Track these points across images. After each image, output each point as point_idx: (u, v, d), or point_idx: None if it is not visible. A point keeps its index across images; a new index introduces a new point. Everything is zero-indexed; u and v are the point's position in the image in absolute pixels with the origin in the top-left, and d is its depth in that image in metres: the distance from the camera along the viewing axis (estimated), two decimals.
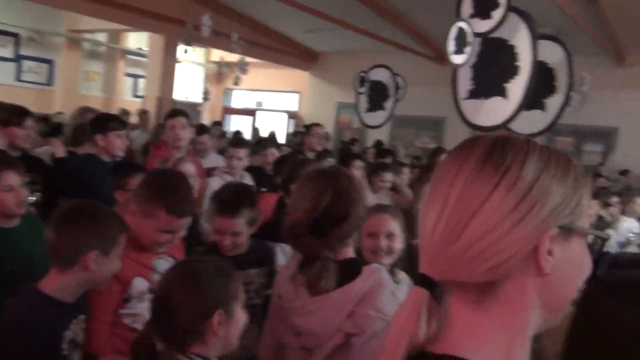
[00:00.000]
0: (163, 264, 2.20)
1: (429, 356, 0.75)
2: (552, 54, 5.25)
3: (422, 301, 0.76)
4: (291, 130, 12.94)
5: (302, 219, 1.67)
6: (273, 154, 5.20)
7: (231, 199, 2.48)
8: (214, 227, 2.52)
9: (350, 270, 1.69)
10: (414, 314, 0.75)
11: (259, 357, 1.91)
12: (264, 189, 4.35)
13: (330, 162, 5.11)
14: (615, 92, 9.38)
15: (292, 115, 13.93)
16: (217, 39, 8.78)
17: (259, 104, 14.89)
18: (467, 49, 4.66)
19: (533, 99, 4.94)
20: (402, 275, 2.56)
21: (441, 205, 0.77)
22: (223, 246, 2.46)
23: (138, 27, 10.03)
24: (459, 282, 0.76)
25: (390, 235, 2.43)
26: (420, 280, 0.77)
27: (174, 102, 10.40)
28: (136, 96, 12.93)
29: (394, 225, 2.45)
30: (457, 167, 0.78)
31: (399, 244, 2.45)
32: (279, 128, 13.08)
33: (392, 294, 1.74)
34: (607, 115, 9.43)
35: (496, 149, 0.77)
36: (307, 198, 1.69)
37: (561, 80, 5.38)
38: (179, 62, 11.18)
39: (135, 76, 13.17)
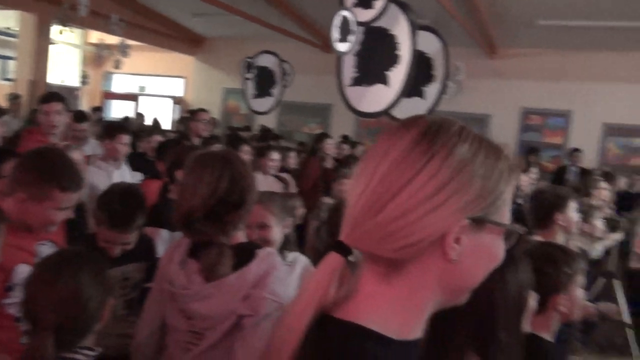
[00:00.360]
0: (46, 249, 2.10)
1: (330, 320, 0.79)
2: (429, 44, 5.51)
3: (336, 267, 0.80)
4: (177, 116, 12.61)
5: (198, 205, 1.66)
6: (158, 140, 5.06)
7: (123, 212, 2.38)
8: (102, 236, 2.42)
9: (244, 254, 1.70)
10: (327, 278, 0.80)
11: (134, 341, 1.88)
12: (146, 176, 4.24)
13: (217, 147, 5.07)
14: (487, 82, 10.02)
15: (177, 100, 13.57)
16: (95, 20, 8.36)
17: (142, 88, 14.34)
18: (351, 38, 4.78)
19: (413, 87, 5.15)
20: (296, 257, 2.60)
21: (368, 179, 0.80)
22: (111, 253, 2.38)
23: (6, 4, 9.30)
24: (372, 254, 0.80)
25: (262, 226, 2.36)
26: (338, 247, 0.81)
27: (48, 85, 9.78)
28: (6, 79, 12.00)
29: (267, 217, 2.38)
30: (390, 144, 0.80)
31: (273, 234, 2.39)
32: (164, 114, 12.70)
33: (284, 276, 1.79)
34: (480, 103, 10.06)
35: (429, 134, 0.79)
36: (204, 183, 1.67)
37: (438, 70, 5.67)
38: (54, 43, 10.49)
39: (4, 57, 12.21)
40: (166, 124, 10.83)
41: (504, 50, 10.09)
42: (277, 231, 2.42)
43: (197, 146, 4.27)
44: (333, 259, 0.81)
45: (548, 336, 1.99)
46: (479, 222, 0.78)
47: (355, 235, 0.80)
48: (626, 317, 5.23)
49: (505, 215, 0.82)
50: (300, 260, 2.59)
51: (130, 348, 1.88)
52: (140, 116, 11.83)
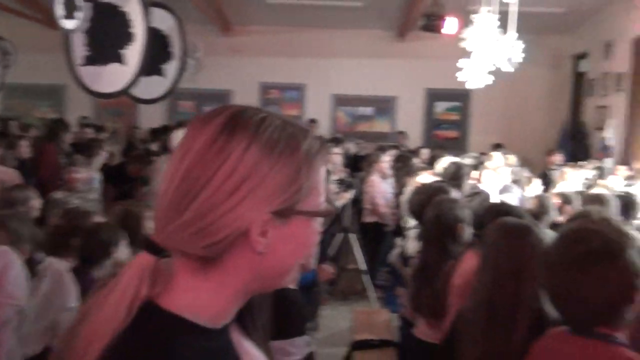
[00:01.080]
0: None
1: (150, 306, 0.79)
2: (163, 21, 5.47)
3: (146, 266, 0.79)
4: None
5: None
6: None
7: None
8: None
9: None
10: (136, 278, 0.79)
11: None
12: None
13: None
14: (226, 59, 10.25)
15: None
16: None
17: None
18: (78, 14, 4.51)
19: (151, 65, 5.09)
20: (49, 262, 2.42)
21: (172, 176, 0.78)
22: None
23: None
24: (182, 252, 0.80)
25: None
26: (148, 246, 0.80)
27: None
28: None
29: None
30: (192, 139, 0.78)
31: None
32: None
33: (21, 274, 1.69)
34: (220, 80, 10.27)
35: (228, 127, 0.78)
36: None
37: (176, 47, 5.67)
38: None
39: None
40: None
41: (239, 28, 10.42)
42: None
43: None
44: (143, 259, 0.80)
45: (292, 285, 2.23)
46: (282, 214, 0.79)
47: (164, 235, 0.79)
48: (362, 266, 5.95)
49: (314, 201, 0.82)
50: (51, 263, 2.43)
51: None
52: None
